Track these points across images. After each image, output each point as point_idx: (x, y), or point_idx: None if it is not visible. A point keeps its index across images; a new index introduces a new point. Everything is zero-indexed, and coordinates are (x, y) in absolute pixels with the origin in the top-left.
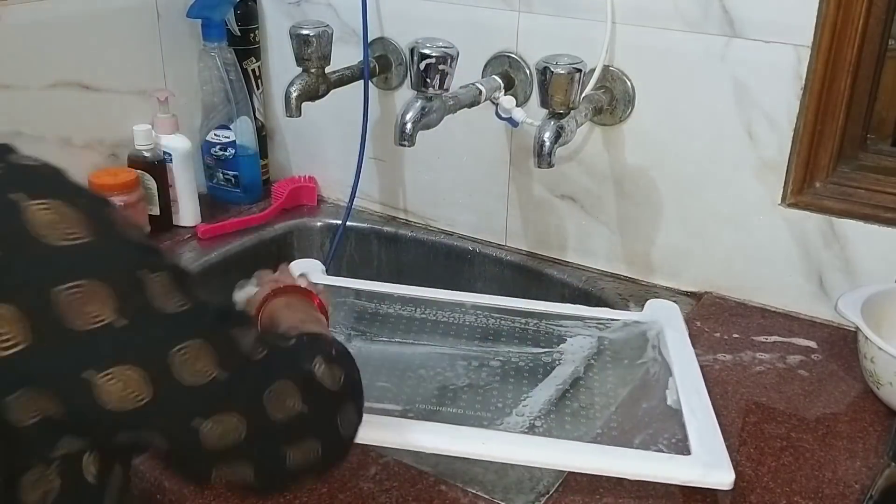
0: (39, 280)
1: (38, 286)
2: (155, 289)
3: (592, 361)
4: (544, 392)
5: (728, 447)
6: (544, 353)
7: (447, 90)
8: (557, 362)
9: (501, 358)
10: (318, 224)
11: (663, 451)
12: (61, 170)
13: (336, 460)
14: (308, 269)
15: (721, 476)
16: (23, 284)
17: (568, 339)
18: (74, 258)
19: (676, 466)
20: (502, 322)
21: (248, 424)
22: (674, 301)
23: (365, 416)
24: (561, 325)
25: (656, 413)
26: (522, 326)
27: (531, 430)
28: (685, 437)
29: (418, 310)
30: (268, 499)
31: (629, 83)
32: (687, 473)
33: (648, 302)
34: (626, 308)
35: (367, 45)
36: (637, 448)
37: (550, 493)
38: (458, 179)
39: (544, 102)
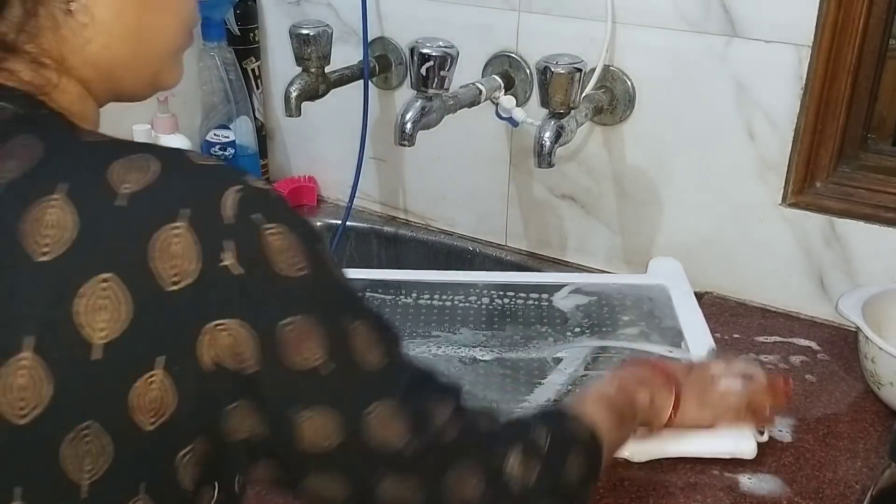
0: (270, 308)
1: (270, 314)
2: (358, 339)
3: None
4: (545, 392)
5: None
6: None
7: (447, 90)
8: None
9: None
10: (318, 224)
11: None
12: (285, 196)
13: None
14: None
15: (746, 445)
16: (257, 308)
17: (570, 338)
18: (298, 290)
19: (704, 440)
20: (507, 303)
21: (423, 500)
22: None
23: None
24: (560, 304)
25: None
26: (526, 304)
27: None
28: None
29: (422, 296)
30: None
31: (629, 83)
32: (718, 445)
33: (651, 262)
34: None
35: (367, 45)
36: None
37: None
38: (458, 179)
39: (544, 102)
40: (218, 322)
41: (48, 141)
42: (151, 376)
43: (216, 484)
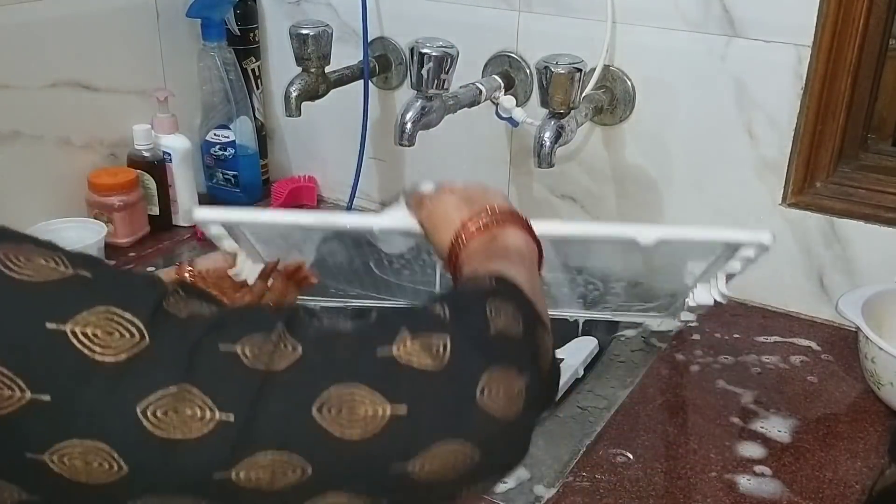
0: None
1: None
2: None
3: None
4: None
5: (728, 447)
6: None
7: (447, 90)
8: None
9: None
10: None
11: None
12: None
13: (505, 459)
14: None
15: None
16: None
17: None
18: None
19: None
20: None
21: (312, 464)
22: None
23: None
24: None
25: None
26: None
27: None
28: None
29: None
30: None
31: (629, 83)
32: (734, 233)
33: None
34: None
35: (367, 45)
36: None
37: (551, 494)
38: (458, 179)
39: (544, 102)
40: None
41: None
42: None
43: None
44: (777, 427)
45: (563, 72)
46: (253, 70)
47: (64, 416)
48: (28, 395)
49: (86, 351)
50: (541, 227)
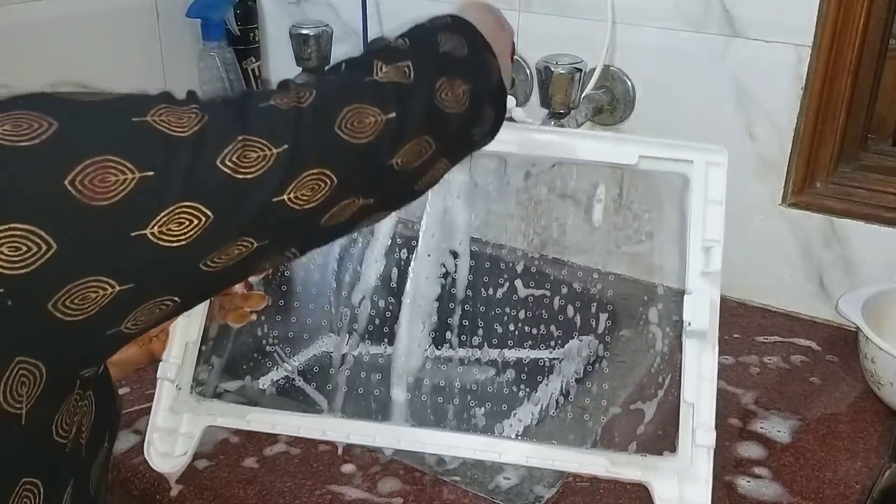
0: (40, 183)
1: (42, 188)
2: (161, 119)
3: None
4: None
5: (728, 447)
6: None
7: None
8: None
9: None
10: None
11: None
12: None
13: (462, 141)
14: None
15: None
16: (24, 200)
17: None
18: (60, 149)
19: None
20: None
21: (337, 168)
22: (675, 301)
23: (365, 421)
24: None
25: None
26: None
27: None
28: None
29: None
30: None
31: (629, 83)
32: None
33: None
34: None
35: (367, 45)
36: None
37: (551, 494)
38: None
39: (544, 102)
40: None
41: None
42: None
43: (74, 408)
44: (777, 427)
45: (563, 72)
46: (253, 70)
47: (164, 185)
48: (137, 174)
49: (167, 130)
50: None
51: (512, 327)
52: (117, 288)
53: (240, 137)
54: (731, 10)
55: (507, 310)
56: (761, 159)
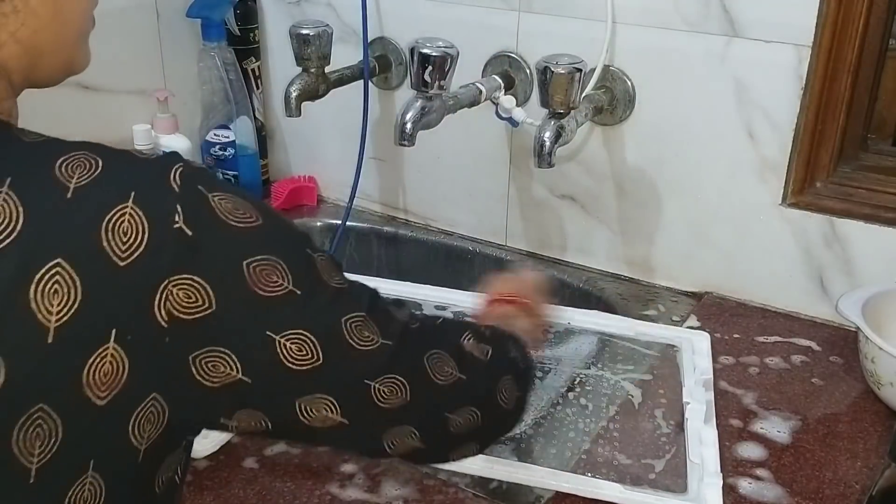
0: (227, 255)
1: (229, 259)
2: (321, 266)
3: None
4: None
5: (728, 448)
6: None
7: (447, 90)
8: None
9: None
10: (318, 224)
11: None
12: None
13: (495, 433)
14: None
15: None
16: (211, 260)
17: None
18: (255, 237)
19: None
20: None
21: (412, 388)
22: (674, 302)
23: None
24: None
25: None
26: None
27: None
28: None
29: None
30: (436, 466)
31: (629, 83)
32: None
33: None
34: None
35: (367, 45)
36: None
37: (551, 495)
38: (458, 179)
39: (544, 102)
40: (171, 279)
41: None
42: (104, 350)
43: (173, 459)
44: (777, 427)
45: (563, 72)
46: (253, 70)
47: (304, 313)
48: (289, 285)
49: (325, 278)
50: None
51: None
52: (238, 375)
53: (363, 314)
54: (731, 10)
55: None
56: (761, 159)
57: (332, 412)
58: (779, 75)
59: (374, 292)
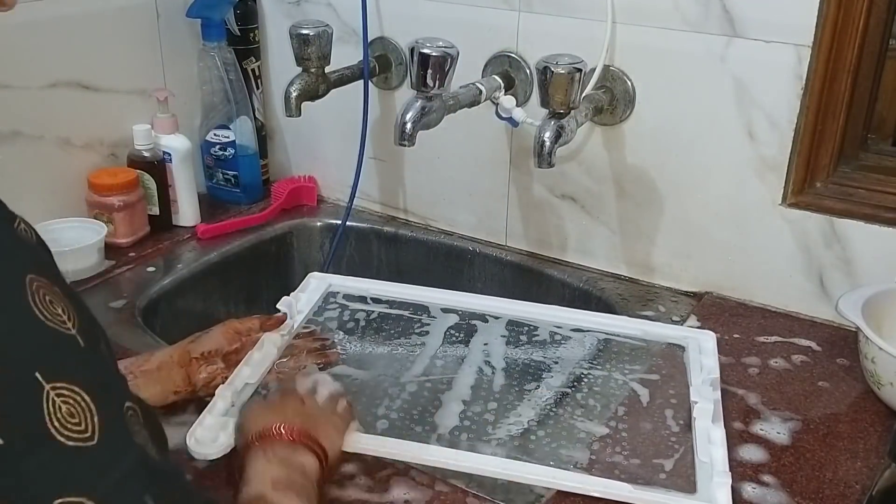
0: None
1: None
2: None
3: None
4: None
5: (728, 448)
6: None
7: (447, 90)
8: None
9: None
10: (318, 224)
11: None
12: None
13: None
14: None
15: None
16: None
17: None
18: None
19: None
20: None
21: None
22: (674, 302)
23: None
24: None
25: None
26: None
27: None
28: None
29: (425, 315)
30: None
31: (629, 83)
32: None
33: None
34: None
35: (367, 45)
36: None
37: (551, 494)
38: (458, 179)
39: (544, 102)
40: None
41: None
42: None
43: None
44: (777, 428)
45: (563, 72)
46: (253, 70)
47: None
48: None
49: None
50: None
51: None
52: None
53: None
54: (731, 10)
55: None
56: (761, 159)
57: None
58: (779, 75)
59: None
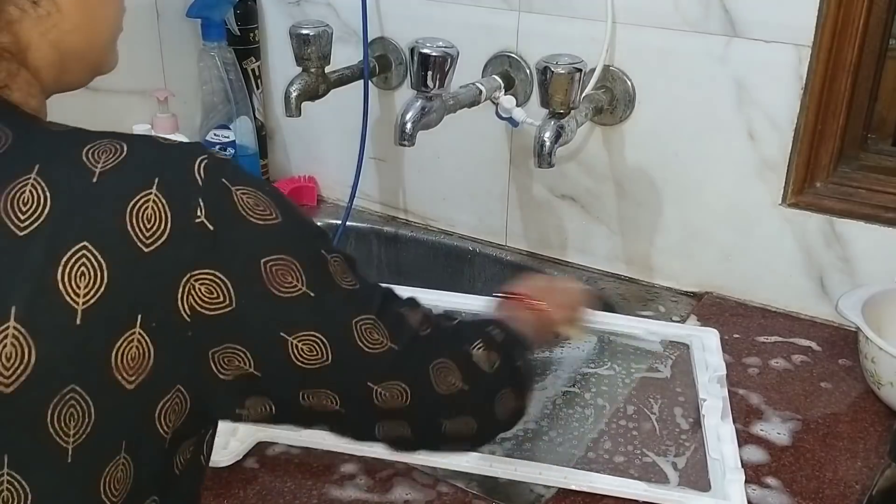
0: (247, 252)
1: (248, 257)
2: (335, 267)
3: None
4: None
5: None
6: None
7: (447, 90)
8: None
9: None
10: (318, 224)
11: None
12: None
13: (488, 439)
14: None
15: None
16: (232, 256)
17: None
18: (273, 235)
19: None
20: None
21: (413, 394)
22: (674, 302)
23: None
24: None
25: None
26: None
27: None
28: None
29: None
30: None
31: (629, 83)
32: None
33: None
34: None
35: (367, 45)
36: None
37: (551, 494)
38: (458, 179)
39: (544, 102)
40: (193, 273)
41: (15, 129)
42: (131, 334)
43: (193, 442)
44: (777, 428)
45: (563, 72)
46: (253, 70)
47: (317, 315)
48: (304, 288)
49: (337, 280)
50: None
51: None
52: (251, 369)
53: (373, 316)
54: (731, 10)
55: None
56: (761, 159)
57: (331, 403)
58: (779, 75)
59: (387, 292)
